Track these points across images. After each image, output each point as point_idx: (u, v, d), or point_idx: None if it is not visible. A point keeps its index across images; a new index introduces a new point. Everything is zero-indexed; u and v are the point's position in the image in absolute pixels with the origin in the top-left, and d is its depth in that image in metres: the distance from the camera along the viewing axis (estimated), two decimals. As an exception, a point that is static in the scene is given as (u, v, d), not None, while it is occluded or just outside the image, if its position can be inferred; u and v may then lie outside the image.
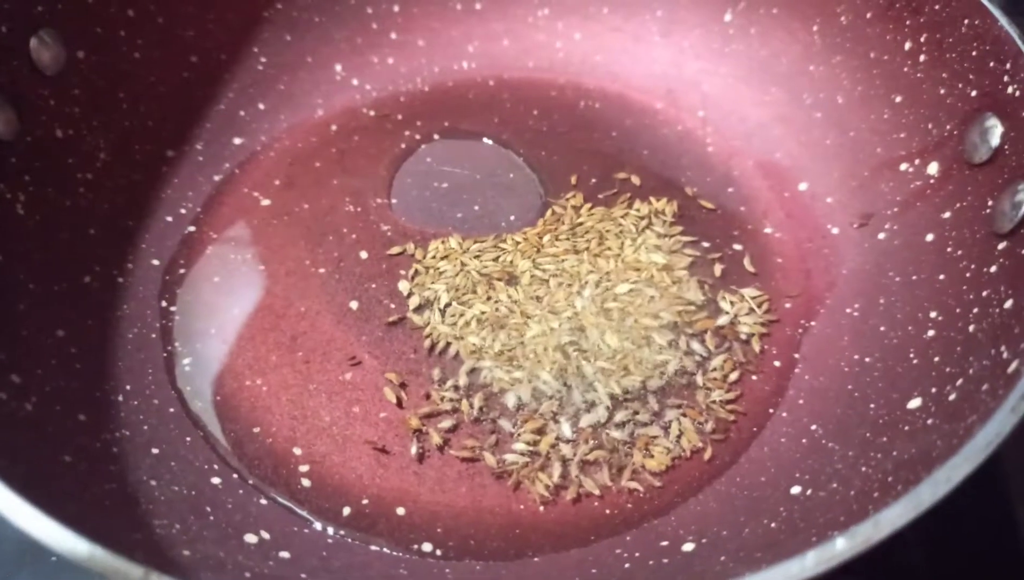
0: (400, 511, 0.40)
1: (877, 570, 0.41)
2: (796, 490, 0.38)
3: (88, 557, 0.26)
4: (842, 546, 0.26)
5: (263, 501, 0.40)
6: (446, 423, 0.43)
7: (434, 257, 0.50)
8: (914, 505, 0.27)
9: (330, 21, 0.59)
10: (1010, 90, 0.42)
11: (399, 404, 0.44)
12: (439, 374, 0.45)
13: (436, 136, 0.57)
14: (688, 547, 0.37)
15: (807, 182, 0.53)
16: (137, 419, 0.42)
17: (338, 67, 0.59)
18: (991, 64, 0.43)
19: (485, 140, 0.57)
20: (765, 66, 0.57)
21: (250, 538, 0.37)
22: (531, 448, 0.42)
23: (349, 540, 0.39)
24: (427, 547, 0.39)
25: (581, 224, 0.51)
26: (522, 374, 0.44)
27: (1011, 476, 0.46)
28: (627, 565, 0.37)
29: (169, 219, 0.51)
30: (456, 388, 0.44)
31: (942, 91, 0.46)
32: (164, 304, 0.48)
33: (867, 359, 0.43)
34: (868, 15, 0.50)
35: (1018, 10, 0.47)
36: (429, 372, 0.45)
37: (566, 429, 0.42)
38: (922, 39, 0.47)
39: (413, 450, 0.42)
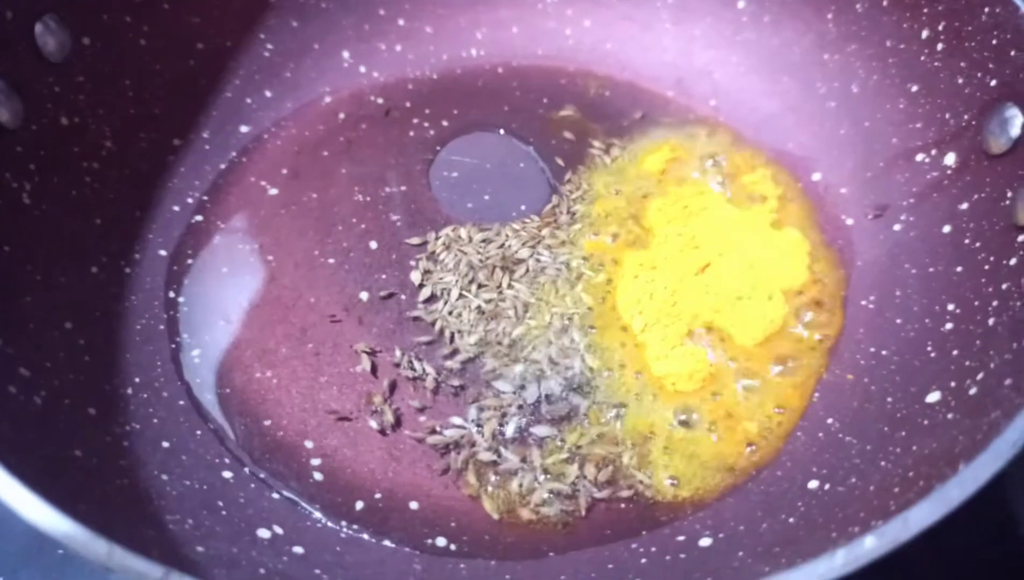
0: (413, 506, 0.40)
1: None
2: (813, 485, 0.38)
3: (106, 556, 0.26)
4: (871, 544, 0.26)
5: (275, 495, 0.40)
6: (455, 434, 0.42)
7: (444, 247, 0.49)
8: (943, 503, 0.27)
9: (337, 7, 0.58)
10: (1031, 80, 0.41)
11: (391, 390, 0.43)
12: (447, 365, 0.45)
13: (445, 124, 0.56)
14: (705, 542, 0.37)
15: (820, 173, 0.52)
16: (146, 412, 0.41)
17: (345, 54, 0.59)
18: (1012, 53, 0.42)
19: (495, 129, 0.56)
20: (778, 55, 0.56)
21: (263, 533, 0.37)
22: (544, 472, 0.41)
23: (363, 536, 0.39)
24: (441, 542, 0.39)
25: (586, 214, 0.51)
26: (522, 368, 0.44)
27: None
28: (643, 561, 0.37)
29: (176, 209, 0.50)
30: (463, 384, 0.44)
31: (960, 80, 0.46)
32: (171, 295, 0.47)
33: (883, 352, 0.43)
34: (884, 3, 0.50)
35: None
36: (437, 363, 0.45)
37: (550, 431, 0.42)
38: (940, 27, 0.47)
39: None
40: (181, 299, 0.47)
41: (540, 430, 0.42)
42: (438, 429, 0.42)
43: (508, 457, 0.41)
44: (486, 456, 0.41)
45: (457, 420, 0.42)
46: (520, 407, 0.42)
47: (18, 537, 0.44)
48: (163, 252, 0.48)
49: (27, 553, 0.43)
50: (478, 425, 0.42)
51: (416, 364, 0.44)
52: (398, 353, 0.45)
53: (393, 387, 0.44)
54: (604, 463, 0.41)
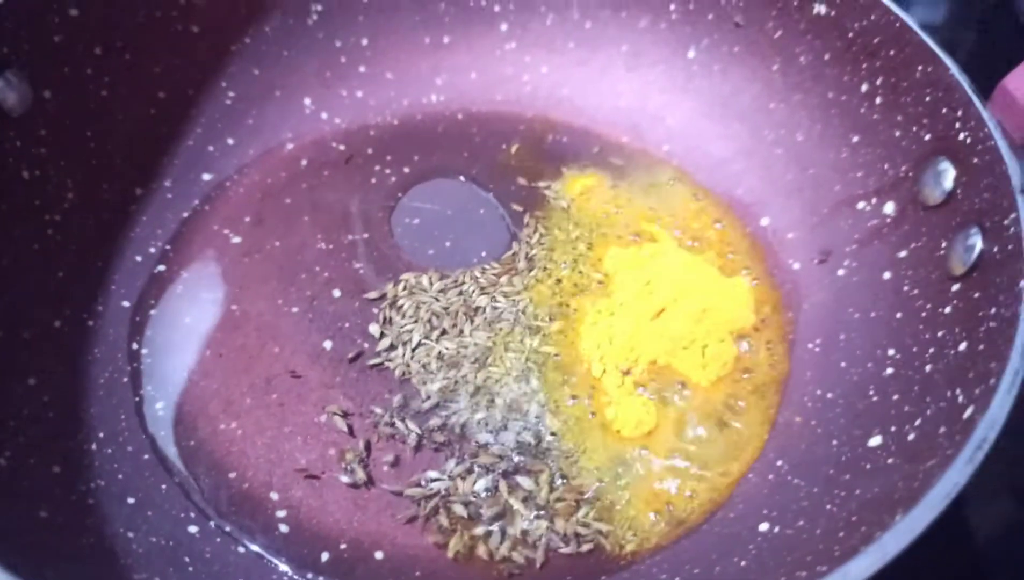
0: (378, 555, 0.41)
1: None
2: (764, 527, 0.40)
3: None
4: (813, 599, 0.27)
5: (240, 549, 0.40)
6: (426, 486, 0.43)
7: (406, 294, 0.50)
8: (880, 556, 0.29)
9: (298, 54, 0.59)
10: (961, 137, 0.43)
11: (367, 449, 0.44)
12: (430, 423, 0.45)
13: (406, 170, 0.57)
14: (662, 586, 0.39)
15: (769, 217, 0.54)
16: (111, 468, 0.41)
17: (307, 100, 0.59)
18: (943, 110, 0.45)
19: (455, 176, 0.57)
20: (727, 102, 0.58)
21: (230, 589, 0.38)
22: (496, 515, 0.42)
23: (329, 588, 0.39)
24: (407, 592, 0.39)
25: (544, 260, 0.52)
26: (486, 415, 0.45)
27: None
28: (603, 605, 0.38)
29: (138, 259, 0.51)
30: (446, 440, 0.45)
31: (897, 133, 0.48)
32: (135, 346, 0.47)
33: (829, 395, 0.45)
34: (826, 56, 0.52)
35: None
36: (419, 421, 0.45)
37: (526, 482, 0.43)
38: (878, 82, 0.49)
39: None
40: (144, 351, 0.47)
41: (518, 481, 0.43)
42: (422, 483, 0.43)
43: (481, 510, 0.42)
44: (459, 510, 0.42)
45: (433, 474, 0.43)
46: (499, 459, 0.43)
47: None
48: (126, 303, 0.49)
49: None
50: (454, 478, 0.43)
51: (399, 424, 0.45)
52: (378, 410, 0.45)
53: (368, 447, 0.44)
54: (570, 514, 0.42)
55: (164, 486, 0.42)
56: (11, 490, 0.36)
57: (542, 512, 0.42)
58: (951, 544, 0.45)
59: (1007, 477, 0.47)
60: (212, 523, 0.41)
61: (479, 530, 0.41)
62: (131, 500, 0.40)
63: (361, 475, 0.43)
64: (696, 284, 0.51)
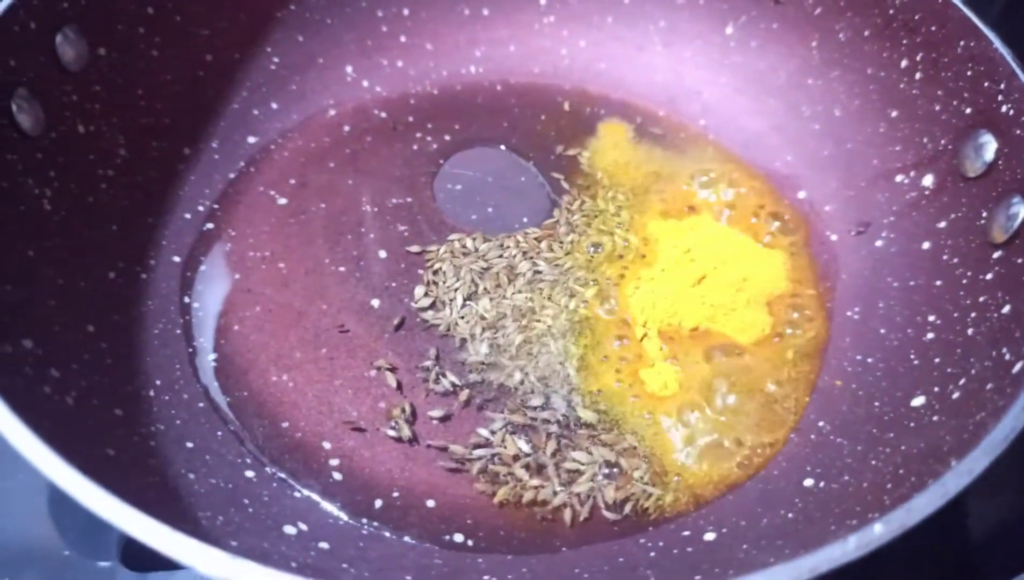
0: (430, 503, 0.42)
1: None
2: (809, 483, 0.41)
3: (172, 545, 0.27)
4: (880, 531, 0.28)
5: (297, 494, 0.41)
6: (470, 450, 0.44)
7: (449, 254, 0.51)
8: (941, 494, 0.30)
9: (341, 23, 0.60)
10: (1004, 109, 0.44)
11: (414, 407, 0.45)
12: (471, 378, 0.46)
13: (447, 138, 0.58)
14: (709, 536, 0.40)
15: (806, 191, 0.55)
16: (169, 414, 0.42)
17: (348, 68, 0.60)
18: (985, 84, 0.46)
19: (496, 144, 0.58)
20: (764, 78, 0.59)
21: (289, 529, 0.38)
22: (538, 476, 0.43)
23: (384, 532, 0.40)
24: (458, 538, 0.40)
25: (585, 226, 0.53)
26: (529, 376, 0.46)
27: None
28: (652, 554, 0.39)
29: (187, 216, 0.51)
30: (470, 385, 0.46)
31: (937, 107, 0.49)
32: (186, 300, 0.48)
33: (869, 360, 0.46)
34: (866, 33, 0.53)
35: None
36: (465, 378, 0.46)
37: (577, 452, 0.43)
38: (918, 57, 0.50)
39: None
40: (196, 305, 0.48)
41: (568, 444, 0.43)
42: (469, 441, 0.44)
43: (526, 468, 0.43)
44: (522, 473, 0.42)
45: (484, 432, 0.44)
46: (546, 422, 0.44)
47: (16, 541, 0.44)
48: (177, 258, 0.50)
49: (28, 556, 0.44)
50: (499, 436, 0.44)
51: (444, 381, 0.46)
52: (427, 363, 0.46)
53: (415, 404, 0.45)
54: (622, 481, 0.42)
55: (220, 433, 0.43)
56: (79, 427, 0.37)
57: (591, 477, 0.42)
58: (946, 538, 0.46)
59: (1008, 471, 0.48)
60: (267, 469, 0.42)
61: (533, 483, 0.42)
62: (190, 445, 0.41)
63: (407, 432, 0.44)
64: (735, 253, 0.52)
